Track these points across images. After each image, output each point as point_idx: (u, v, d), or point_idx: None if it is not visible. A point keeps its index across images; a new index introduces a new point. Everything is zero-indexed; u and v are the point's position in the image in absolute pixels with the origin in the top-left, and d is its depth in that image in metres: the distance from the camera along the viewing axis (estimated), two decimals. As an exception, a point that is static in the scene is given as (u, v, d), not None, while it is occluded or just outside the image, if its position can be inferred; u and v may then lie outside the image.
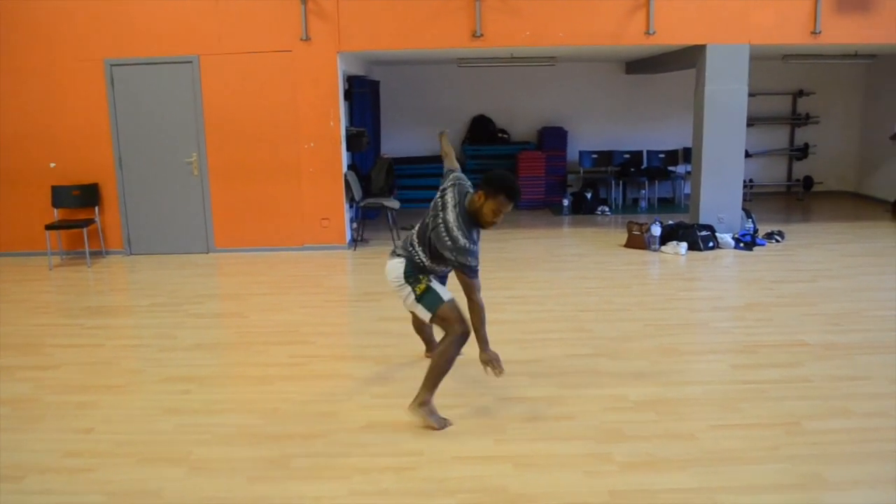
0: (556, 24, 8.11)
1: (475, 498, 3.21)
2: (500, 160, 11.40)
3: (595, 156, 11.76)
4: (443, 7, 8.02)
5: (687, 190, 10.82)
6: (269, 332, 5.64)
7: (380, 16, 8.05)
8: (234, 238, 8.55)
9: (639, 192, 11.51)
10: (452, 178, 3.97)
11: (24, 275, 7.76)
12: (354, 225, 9.02)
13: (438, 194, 3.91)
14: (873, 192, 11.73)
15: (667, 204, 11.49)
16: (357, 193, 8.81)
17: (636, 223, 8.43)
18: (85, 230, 8.13)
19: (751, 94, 8.67)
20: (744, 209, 8.78)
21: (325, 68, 8.18)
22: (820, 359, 4.83)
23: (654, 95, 11.82)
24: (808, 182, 12.22)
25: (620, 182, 11.46)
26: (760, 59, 10.38)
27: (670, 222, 8.53)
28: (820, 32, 8.18)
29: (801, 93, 12.04)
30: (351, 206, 8.90)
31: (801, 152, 12.21)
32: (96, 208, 8.39)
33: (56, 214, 8.29)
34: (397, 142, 11.73)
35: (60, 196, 8.25)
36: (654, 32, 8.13)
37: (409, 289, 3.88)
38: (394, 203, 8.96)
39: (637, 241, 8.34)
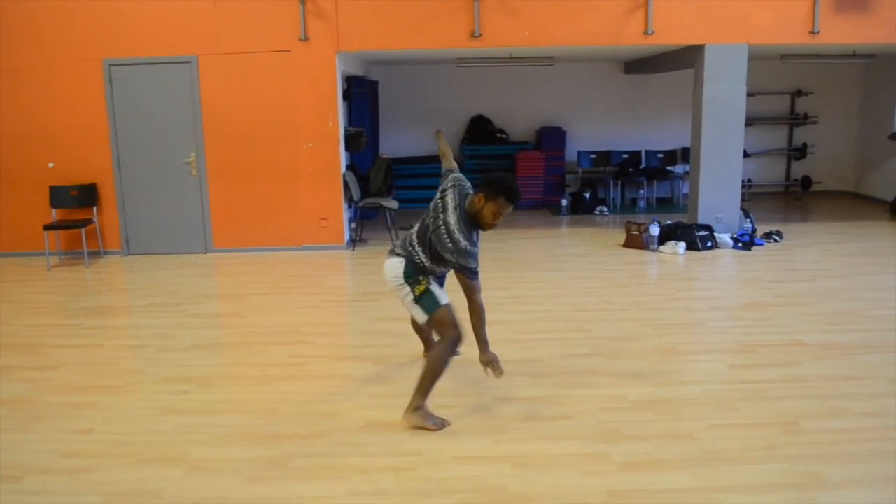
0: (554, 24, 8.11)
1: (474, 498, 3.21)
2: (498, 160, 11.41)
3: (593, 156, 11.76)
4: (441, 7, 8.02)
5: (685, 190, 10.83)
6: (267, 333, 5.64)
7: (378, 16, 8.05)
8: (232, 238, 8.55)
9: (637, 192, 11.52)
10: (452, 179, 3.97)
11: (23, 275, 7.76)
12: (353, 225, 9.02)
13: (438, 195, 3.90)
14: (871, 192, 11.74)
15: (665, 204, 11.50)
16: (356, 193, 8.81)
17: (634, 223, 8.44)
18: (83, 230, 8.13)
19: (749, 94, 8.68)
20: (742, 209, 8.79)
21: (323, 68, 8.18)
22: (818, 358, 4.84)
23: (653, 95, 11.83)
24: (806, 182, 12.23)
25: (619, 182, 11.46)
26: (759, 58, 10.39)
27: (669, 222, 8.54)
28: (818, 32, 8.19)
29: (799, 93, 12.05)
30: (349, 206, 8.90)
31: (800, 152, 12.21)
32: (95, 208, 8.39)
33: (54, 214, 8.29)
34: (396, 142, 11.73)
35: (59, 196, 8.25)
36: (652, 32, 8.14)
37: (407, 289, 3.87)
38: (392, 203, 8.96)
39: (635, 241, 8.34)
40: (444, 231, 3.72)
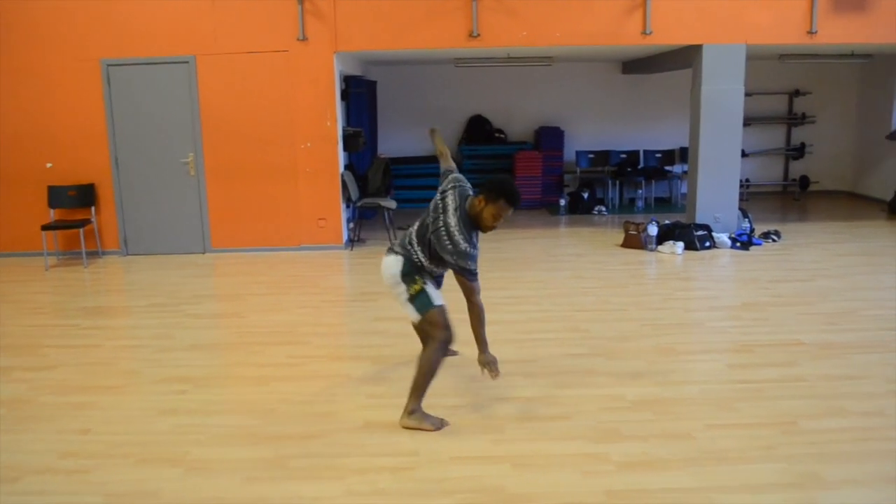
0: (552, 24, 8.12)
1: (472, 498, 3.21)
2: (496, 160, 11.41)
3: (592, 156, 11.76)
4: (439, 7, 8.02)
5: (683, 189, 10.83)
6: (266, 333, 5.64)
7: (376, 16, 8.05)
8: (230, 238, 8.55)
9: (635, 192, 11.52)
10: (452, 180, 3.97)
11: (20, 275, 7.75)
12: (351, 225, 9.02)
13: (439, 196, 3.90)
14: (869, 192, 11.75)
15: (663, 203, 11.51)
16: (354, 193, 8.80)
17: (633, 223, 8.44)
18: (81, 230, 8.13)
19: (747, 94, 8.69)
20: (740, 209, 8.79)
21: (321, 68, 8.18)
22: (816, 358, 4.84)
23: (651, 95, 11.84)
24: (804, 181, 12.23)
25: (617, 182, 11.46)
26: (757, 58, 10.40)
27: (667, 222, 8.54)
28: (816, 32, 8.20)
29: (797, 92, 12.06)
30: (348, 206, 8.90)
31: (798, 152, 12.22)
32: (93, 208, 8.39)
33: (52, 215, 8.28)
34: (394, 142, 11.73)
35: (57, 196, 8.24)
36: (650, 32, 8.14)
37: (403, 286, 3.87)
38: (391, 203, 8.96)
39: (634, 241, 8.34)
40: (443, 232, 3.72)
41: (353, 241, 8.86)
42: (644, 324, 5.66)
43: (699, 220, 8.60)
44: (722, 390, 4.37)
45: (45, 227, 8.03)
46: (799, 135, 12.25)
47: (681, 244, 8.07)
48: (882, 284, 6.70)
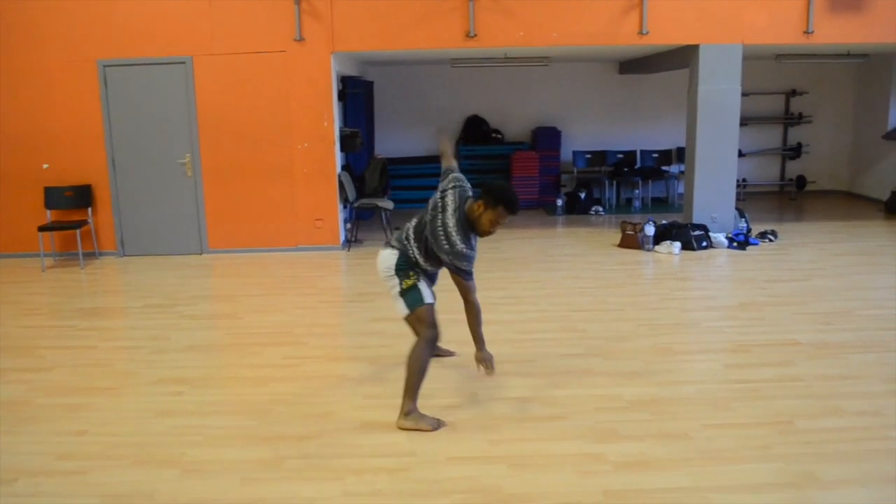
0: (549, 24, 8.12)
1: (469, 498, 3.21)
2: (493, 160, 11.41)
3: (589, 156, 11.76)
4: (436, 7, 8.02)
5: (680, 189, 10.83)
6: (262, 334, 5.63)
7: (373, 16, 8.05)
8: (227, 239, 8.54)
9: (632, 192, 11.52)
10: (452, 179, 3.97)
11: (17, 276, 7.74)
12: (348, 225, 9.01)
13: (438, 195, 3.90)
14: (866, 192, 11.76)
15: (660, 204, 11.51)
16: (351, 194, 8.80)
17: (630, 223, 8.45)
18: (78, 231, 8.11)
19: (744, 94, 8.70)
20: (737, 209, 8.80)
21: (318, 69, 8.18)
22: (812, 358, 4.84)
23: (648, 95, 11.84)
24: (800, 181, 12.24)
25: (614, 182, 11.46)
26: (753, 58, 10.41)
27: (664, 222, 8.55)
28: (812, 32, 8.21)
29: (793, 92, 12.07)
30: (345, 207, 8.89)
31: (794, 152, 12.23)
32: (89, 209, 8.37)
33: (49, 216, 8.26)
34: (391, 142, 11.72)
35: (53, 197, 8.23)
36: (647, 32, 8.15)
37: (396, 280, 3.90)
38: (388, 204, 8.95)
39: (631, 241, 8.35)
40: (441, 232, 3.73)
41: (350, 242, 8.85)
42: (641, 324, 5.66)
43: (696, 219, 8.61)
44: (719, 390, 4.37)
45: (42, 228, 8.02)
46: (795, 135, 12.26)
47: (678, 244, 8.07)
48: (879, 284, 6.71)
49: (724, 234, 8.41)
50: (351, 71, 9.85)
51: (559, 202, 10.91)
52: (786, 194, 12.35)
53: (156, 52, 8.13)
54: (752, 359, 4.85)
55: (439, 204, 3.83)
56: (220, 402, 4.35)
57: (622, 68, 11.74)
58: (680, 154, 11.45)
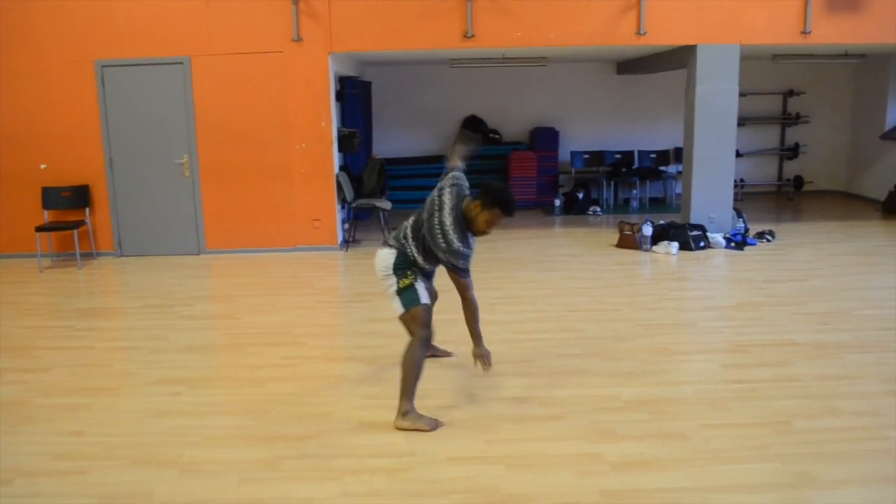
0: (547, 24, 8.12)
1: (467, 498, 3.21)
2: (491, 160, 11.41)
3: (586, 156, 11.77)
4: (434, 8, 8.02)
5: (678, 190, 10.83)
6: (260, 334, 5.63)
7: (371, 16, 8.05)
8: (225, 239, 8.53)
9: (630, 192, 11.54)
10: (452, 178, 3.99)
11: (14, 277, 7.73)
12: (346, 226, 9.01)
13: (436, 192, 3.91)
14: (863, 192, 11.78)
15: (658, 204, 11.52)
16: (349, 194, 8.80)
17: (627, 223, 8.45)
18: (75, 232, 8.10)
19: (741, 94, 8.71)
20: (735, 209, 8.81)
21: (316, 69, 8.17)
22: (810, 358, 4.85)
23: (646, 96, 11.85)
24: (798, 181, 12.26)
25: (612, 182, 11.47)
26: (751, 59, 10.42)
27: (661, 222, 8.55)
28: (810, 32, 8.22)
29: (791, 93, 12.08)
30: (343, 207, 8.89)
31: (792, 152, 12.25)
32: (87, 210, 8.37)
33: (46, 216, 8.25)
34: (389, 142, 11.72)
35: (51, 197, 8.22)
36: (645, 33, 8.15)
37: (394, 279, 3.90)
38: (386, 204, 8.96)
39: (628, 241, 8.35)
40: (438, 230, 3.74)
41: (348, 242, 8.85)
42: (639, 324, 5.66)
43: (694, 220, 8.61)
44: (716, 390, 4.38)
45: (40, 229, 8.00)
46: (793, 135, 12.28)
47: (675, 244, 8.08)
48: (876, 284, 6.72)
49: (722, 235, 8.42)
50: (349, 71, 9.85)
51: (557, 202, 10.92)
52: (783, 194, 12.36)
53: (153, 53, 8.12)
54: (750, 359, 4.85)
55: (436, 202, 3.84)
56: (218, 403, 4.35)
57: (620, 69, 11.75)
58: (678, 154, 11.44)
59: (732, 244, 8.31)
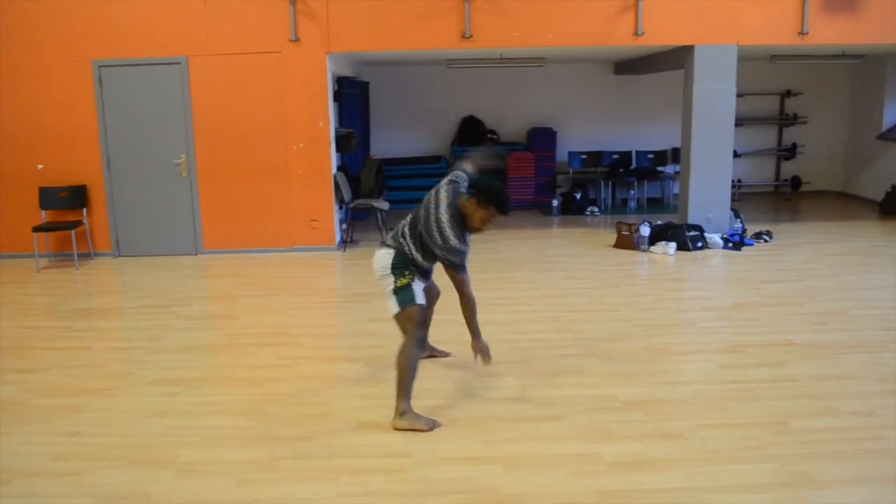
0: (545, 24, 8.12)
1: (464, 498, 3.21)
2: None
3: (584, 156, 11.78)
4: (432, 8, 8.02)
5: (676, 190, 10.84)
6: (258, 334, 5.63)
7: (369, 17, 8.04)
8: (222, 239, 8.53)
9: (628, 193, 11.54)
10: (453, 175, 4.05)
11: (11, 277, 7.72)
12: (344, 226, 9.01)
13: (434, 190, 3.96)
14: (860, 192, 11.79)
15: (656, 204, 11.52)
16: (346, 194, 8.79)
17: (625, 223, 8.45)
18: (73, 232, 8.09)
19: (739, 95, 8.71)
20: (732, 209, 8.81)
21: (314, 69, 8.17)
22: (807, 358, 4.85)
23: (643, 96, 11.85)
24: (795, 182, 12.27)
25: (609, 182, 11.47)
26: (748, 59, 10.43)
27: (659, 222, 8.56)
28: (807, 33, 8.23)
29: (788, 93, 12.09)
30: (340, 208, 8.88)
31: (789, 152, 12.26)
32: (84, 210, 8.35)
33: (44, 216, 8.24)
34: (387, 143, 11.72)
35: (48, 197, 8.21)
36: (642, 33, 8.16)
37: (391, 279, 3.93)
38: (383, 204, 8.95)
39: (626, 242, 8.36)
40: (434, 227, 3.78)
41: (345, 243, 8.85)
42: (636, 324, 5.67)
43: (691, 220, 8.62)
44: (714, 390, 4.38)
45: (37, 229, 7.99)
46: (790, 135, 12.29)
47: (673, 245, 8.09)
48: (873, 284, 6.73)
49: (720, 235, 8.42)
50: (346, 71, 9.84)
51: (555, 203, 10.92)
52: (781, 195, 12.37)
53: (151, 53, 8.11)
54: (747, 359, 4.85)
55: (433, 199, 3.89)
56: (215, 403, 4.35)
57: (618, 69, 11.75)
58: (675, 155, 11.46)
59: (730, 244, 8.32)
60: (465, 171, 4.15)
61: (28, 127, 8.21)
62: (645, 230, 8.24)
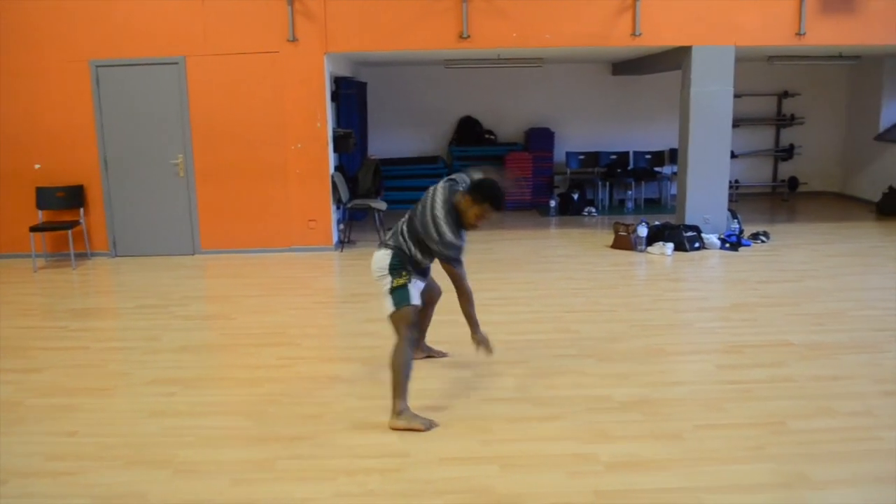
0: (542, 25, 8.13)
1: (461, 499, 3.21)
2: (487, 161, 11.39)
3: (582, 157, 11.78)
4: (430, 8, 8.02)
5: (673, 191, 10.85)
6: (255, 334, 5.62)
7: (367, 17, 8.04)
8: (220, 239, 8.52)
9: (625, 193, 11.54)
10: (455, 176, 4.11)
11: (8, 277, 7.71)
12: (341, 226, 9.00)
13: (432, 188, 4.02)
14: (857, 193, 11.81)
15: (653, 205, 11.53)
16: (344, 195, 8.79)
17: (623, 224, 8.46)
18: (70, 232, 8.08)
19: (736, 96, 8.72)
20: (729, 210, 8.82)
21: (312, 69, 8.17)
22: (804, 359, 4.86)
23: (641, 97, 11.86)
24: (793, 182, 12.29)
25: (607, 183, 11.48)
26: (746, 60, 10.43)
27: (656, 223, 8.56)
28: (804, 34, 8.24)
29: (786, 94, 12.11)
30: (338, 208, 8.88)
31: (787, 153, 12.27)
32: (81, 210, 8.35)
33: (41, 216, 8.23)
34: (384, 143, 11.72)
35: (45, 197, 8.20)
36: (640, 34, 8.16)
37: (389, 279, 3.96)
38: (381, 204, 8.95)
39: (623, 242, 8.36)
40: (431, 223, 3.84)
41: (343, 243, 8.85)
42: (633, 325, 5.67)
43: (689, 221, 8.62)
44: (711, 391, 4.38)
45: (34, 229, 7.98)
46: (788, 136, 12.30)
47: (670, 245, 8.09)
48: (871, 285, 6.73)
49: (717, 236, 8.43)
50: (344, 72, 9.84)
51: (552, 203, 10.92)
52: (778, 195, 12.39)
53: (148, 53, 8.10)
54: (745, 360, 4.86)
55: (430, 196, 3.96)
56: (212, 403, 4.34)
57: (615, 70, 11.76)
58: (673, 155, 11.46)
59: (727, 245, 8.32)
60: (468, 174, 4.16)
61: (25, 127, 8.20)
62: (642, 231, 8.24)
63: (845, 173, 12.27)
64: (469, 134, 11.84)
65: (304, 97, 8.21)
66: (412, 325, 3.94)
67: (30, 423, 4.09)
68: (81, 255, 8.41)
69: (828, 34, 8.28)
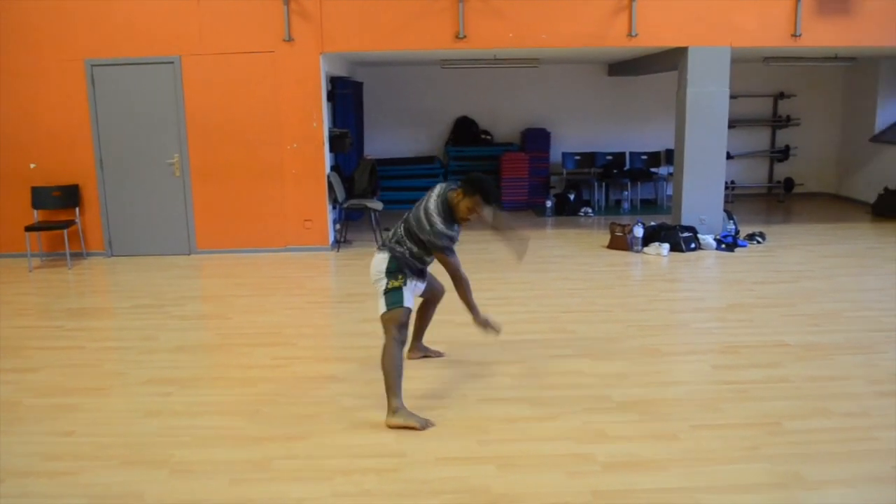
0: (539, 25, 8.13)
1: (458, 499, 3.21)
2: (483, 161, 11.42)
3: (578, 157, 11.79)
4: (426, 8, 8.02)
5: (669, 191, 10.86)
6: (251, 334, 5.62)
7: (363, 17, 8.04)
8: (216, 239, 8.51)
9: (621, 194, 11.55)
10: (455, 181, 4.23)
11: (4, 277, 7.68)
12: (337, 226, 9.00)
13: (429, 190, 4.15)
14: (853, 194, 11.83)
15: (649, 205, 11.55)
16: (340, 195, 8.78)
17: (619, 224, 8.47)
18: (65, 231, 8.06)
19: (732, 97, 8.74)
20: (725, 210, 8.83)
21: (308, 69, 8.16)
22: (800, 359, 4.87)
23: (637, 97, 11.87)
24: (788, 184, 12.31)
25: (603, 183, 11.49)
26: (742, 61, 10.45)
27: (652, 224, 8.57)
28: (800, 35, 8.26)
29: (782, 95, 12.13)
30: (334, 208, 8.88)
31: (783, 154, 12.30)
32: (77, 209, 8.33)
33: (36, 216, 8.21)
34: (381, 143, 11.72)
35: (40, 197, 8.18)
36: (636, 34, 8.17)
37: (385, 281, 4.04)
38: (377, 204, 8.94)
39: (619, 243, 8.37)
40: (423, 215, 3.98)
41: (339, 243, 8.84)
42: (630, 325, 5.67)
43: (684, 221, 8.63)
44: (707, 391, 4.39)
45: (29, 228, 7.97)
46: (784, 137, 12.33)
47: (666, 246, 8.10)
48: (866, 286, 6.75)
49: (713, 236, 8.44)
50: (340, 71, 9.83)
51: (548, 203, 10.93)
52: (774, 196, 12.41)
53: (144, 52, 8.09)
54: (741, 360, 4.87)
55: (426, 195, 4.10)
56: (208, 403, 4.34)
57: (611, 70, 11.77)
58: (669, 156, 11.48)
59: (723, 246, 8.34)
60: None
61: (20, 126, 8.18)
62: (638, 231, 8.25)
63: (841, 174, 12.30)
64: (465, 134, 11.84)
65: (299, 97, 8.21)
66: (402, 326, 3.99)
67: (27, 423, 4.08)
68: (77, 255, 8.39)
69: (824, 35, 8.30)
